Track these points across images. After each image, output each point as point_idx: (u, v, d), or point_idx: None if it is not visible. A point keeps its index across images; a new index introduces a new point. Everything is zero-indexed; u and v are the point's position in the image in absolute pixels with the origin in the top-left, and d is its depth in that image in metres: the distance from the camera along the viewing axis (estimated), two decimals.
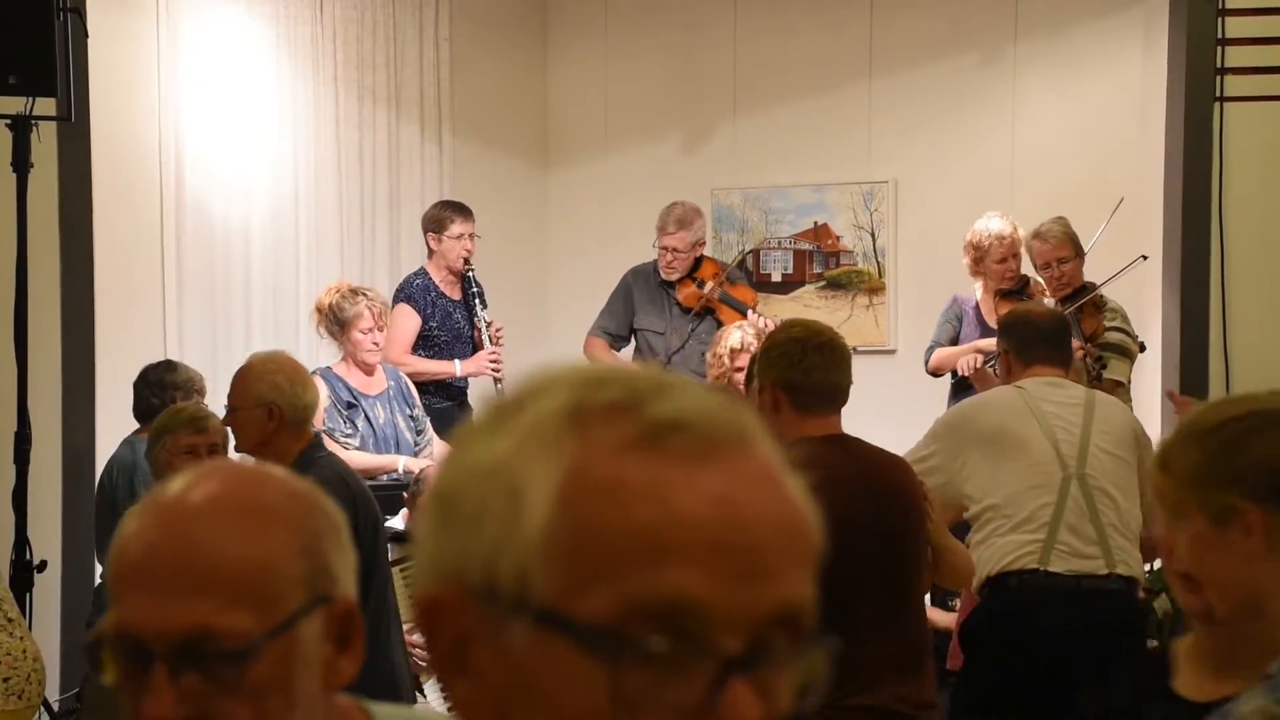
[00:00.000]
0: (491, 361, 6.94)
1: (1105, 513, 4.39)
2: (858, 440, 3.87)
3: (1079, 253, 6.34)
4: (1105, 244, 6.70)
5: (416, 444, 6.57)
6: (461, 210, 7.09)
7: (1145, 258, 6.57)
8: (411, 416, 6.64)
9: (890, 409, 7.62)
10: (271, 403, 4.33)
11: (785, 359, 3.78)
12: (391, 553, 5.39)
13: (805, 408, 3.77)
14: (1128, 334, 6.32)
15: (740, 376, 6.58)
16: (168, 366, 5.90)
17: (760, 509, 0.97)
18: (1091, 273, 6.50)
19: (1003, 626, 4.40)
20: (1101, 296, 6.36)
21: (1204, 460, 2.02)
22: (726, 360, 6.48)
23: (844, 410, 6.58)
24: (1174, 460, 2.05)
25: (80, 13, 5.50)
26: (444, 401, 6.95)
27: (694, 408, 0.98)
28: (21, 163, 5.30)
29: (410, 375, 6.76)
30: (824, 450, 3.66)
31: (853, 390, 6.50)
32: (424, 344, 6.96)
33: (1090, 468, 4.43)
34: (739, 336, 6.41)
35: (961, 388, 6.75)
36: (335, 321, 6.53)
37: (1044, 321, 4.80)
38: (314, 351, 7.00)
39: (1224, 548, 1.99)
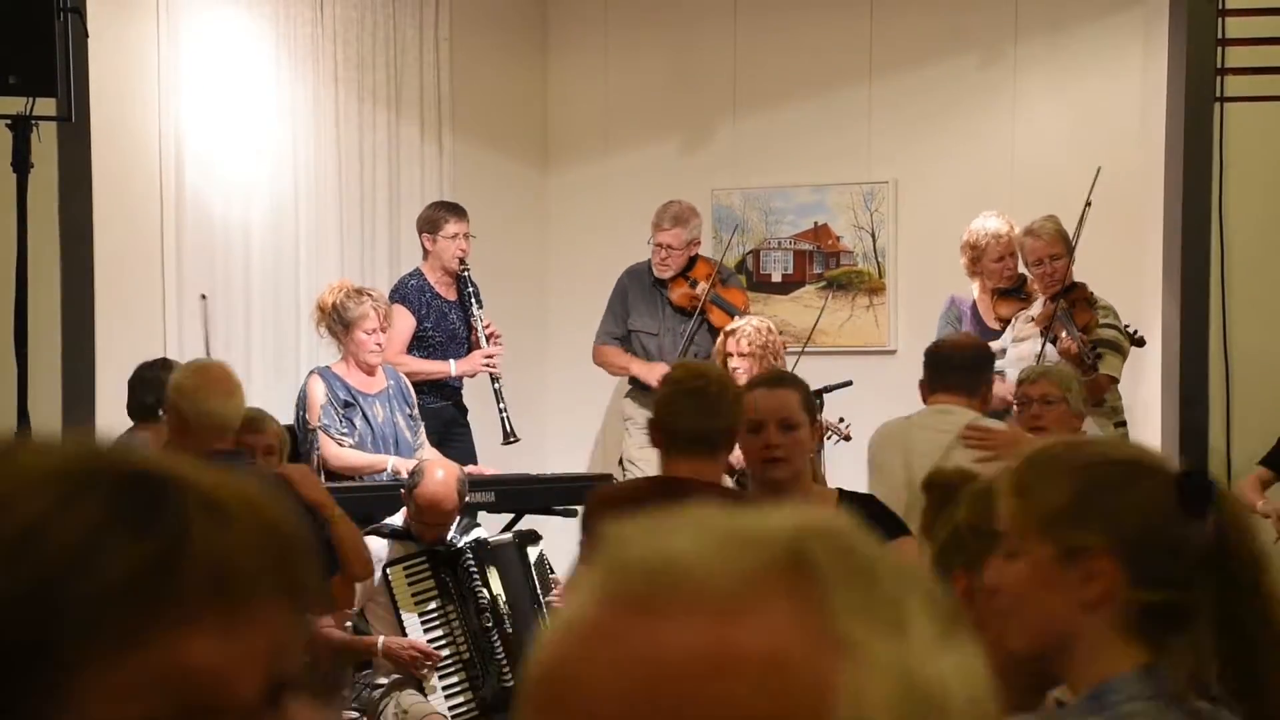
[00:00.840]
0: (486, 361, 6.94)
1: None
2: (704, 486, 3.74)
3: (1069, 250, 6.35)
4: (1101, 238, 6.70)
5: (414, 444, 6.57)
6: (455, 210, 7.09)
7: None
8: (410, 416, 6.65)
9: (890, 410, 7.60)
10: (174, 406, 4.62)
11: (661, 402, 3.87)
12: (391, 550, 5.39)
13: (672, 450, 3.81)
14: (1119, 330, 6.33)
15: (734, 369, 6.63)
16: (163, 365, 5.89)
17: None
18: (1085, 259, 6.50)
19: None
20: (1091, 292, 6.36)
21: (1072, 494, 1.92)
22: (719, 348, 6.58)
23: (844, 410, 6.64)
24: (1036, 487, 1.94)
25: (80, 13, 5.49)
26: (439, 401, 6.95)
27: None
28: (21, 163, 5.29)
29: (406, 375, 6.77)
30: (647, 489, 3.79)
31: (853, 391, 6.57)
32: (419, 345, 6.96)
33: None
34: (740, 332, 6.46)
35: None
36: (339, 321, 6.52)
37: (957, 353, 4.93)
38: (314, 351, 7.00)
39: (1057, 587, 1.89)
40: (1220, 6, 6.64)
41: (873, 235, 8.07)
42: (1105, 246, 6.94)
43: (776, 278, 8.23)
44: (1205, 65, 6.68)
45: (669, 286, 7.32)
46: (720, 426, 3.82)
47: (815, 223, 8.17)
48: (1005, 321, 6.66)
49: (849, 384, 6.52)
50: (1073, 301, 6.28)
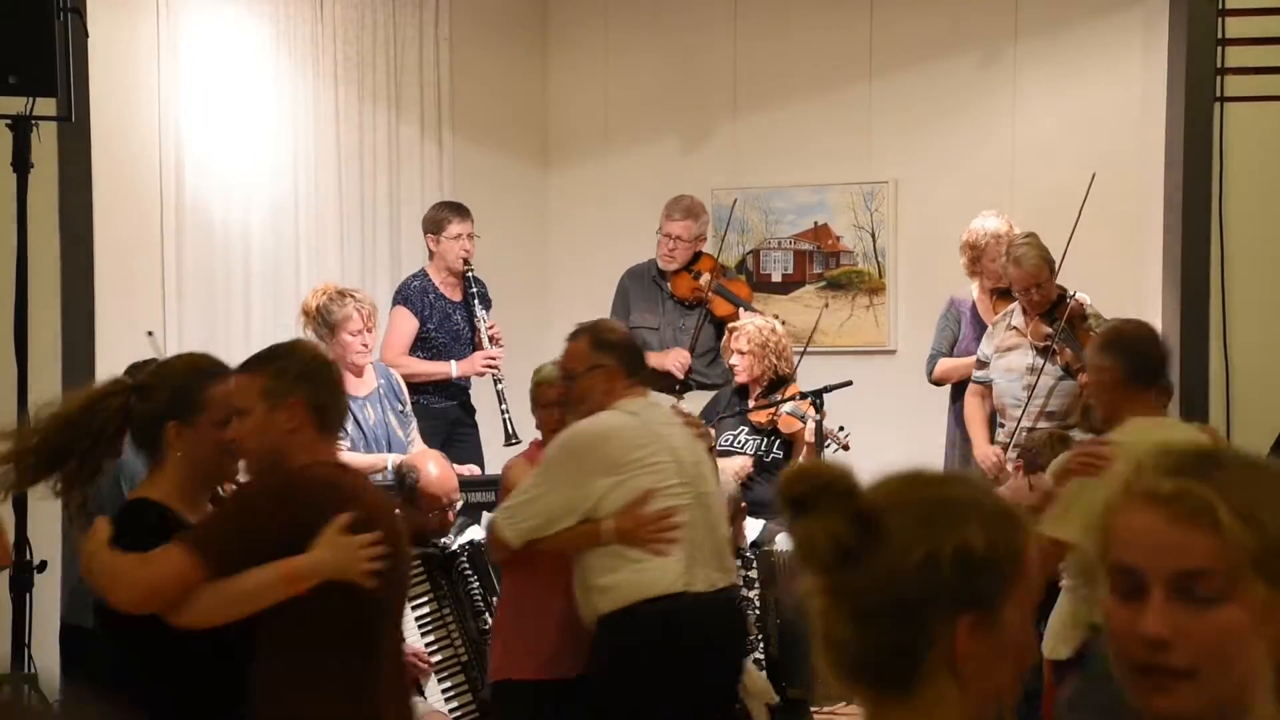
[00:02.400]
0: (487, 362, 6.94)
1: (720, 526, 4.56)
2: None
3: (1053, 271, 6.32)
4: (1101, 238, 6.70)
5: (405, 440, 6.57)
6: (459, 210, 7.09)
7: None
8: (401, 413, 6.64)
9: (890, 410, 7.64)
10: None
11: (318, 378, 3.50)
12: None
13: (330, 430, 3.51)
14: None
15: (733, 365, 6.65)
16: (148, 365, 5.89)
17: None
18: (1086, 259, 6.50)
19: (652, 649, 4.41)
20: (1081, 306, 6.35)
21: None
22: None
23: (844, 409, 6.63)
24: (1264, 512, 1.57)
25: (80, 13, 5.49)
26: (444, 401, 6.95)
27: None
28: (21, 163, 5.29)
29: (406, 377, 6.76)
30: (342, 476, 3.54)
31: (853, 391, 6.57)
32: (421, 346, 6.96)
33: (708, 485, 4.57)
34: (741, 330, 6.48)
35: (960, 393, 6.75)
36: (324, 324, 6.51)
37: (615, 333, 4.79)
38: None
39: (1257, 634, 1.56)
40: (1220, 6, 6.64)
41: (873, 235, 8.07)
42: (1105, 247, 6.94)
43: (776, 278, 8.23)
44: (1205, 65, 6.68)
45: (671, 280, 7.33)
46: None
47: (815, 223, 8.17)
48: None
49: (849, 384, 6.50)
50: (1069, 320, 6.28)
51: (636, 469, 4.41)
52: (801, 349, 6.86)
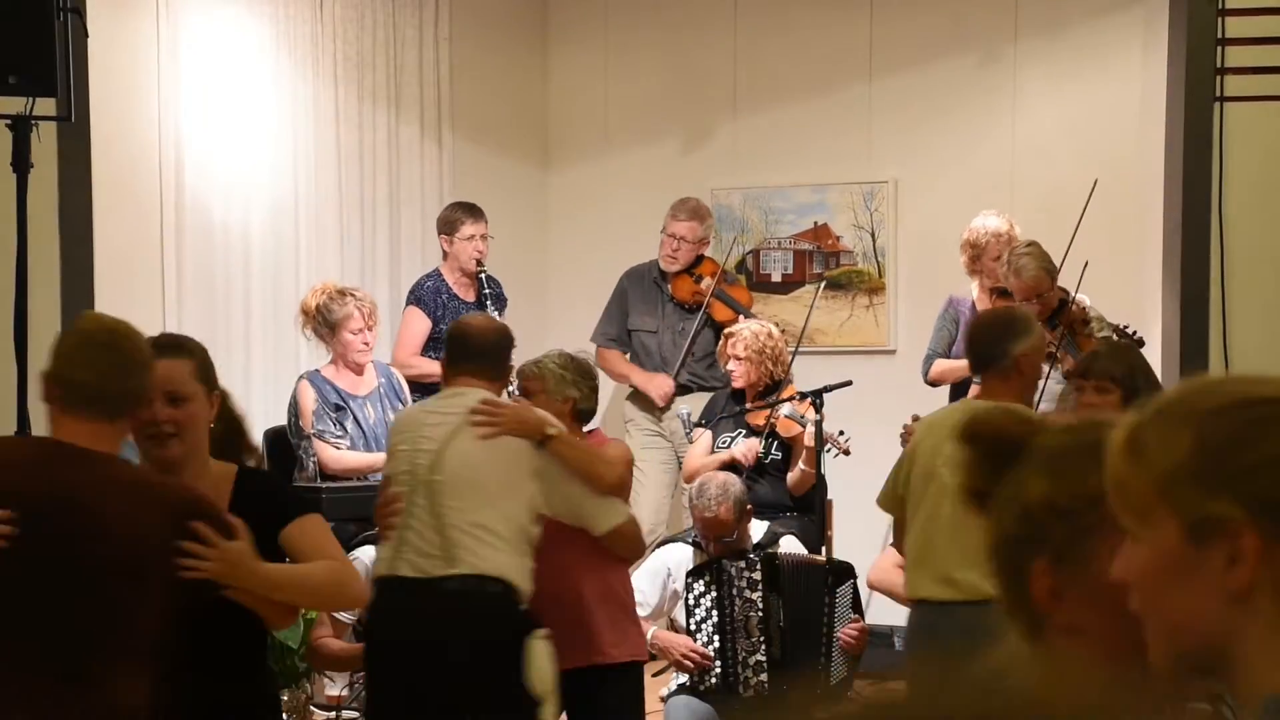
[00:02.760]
0: None
1: (451, 514, 4.38)
2: (84, 454, 3.12)
3: (1054, 279, 6.34)
4: (1101, 238, 6.70)
5: None
6: (472, 211, 7.10)
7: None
8: None
9: (890, 409, 7.62)
10: None
11: (56, 349, 3.24)
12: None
13: (64, 405, 3.18)
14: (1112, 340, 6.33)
15: (730, 371, 6.65)
16: None
17: None
18: (1085, 260, 6.50)
19: (373, 630, 4.48)
20: (1083, 311, 6.36)
21: (1196, 448, 1.44)
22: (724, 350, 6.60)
23: (845, 409, 6.64)
24: (1152, 444, 1.46)
25: (80, 13, 5.49)
26: None
27: None
28: (21, 163, 5.29)
29: (418, 377, 6.77)
30: (23, 448, 3.42)
31: (853, 390, 6.57)
32: (434, 346, 6.96)
33: (444, 473, 4.42)
34: (737, 335, 6.49)
35: (959, 394, 6.75)
36: (324, 323, 6.52)
37: (476, 338, 4.75)
38: (314, 351, 7.00)
39: (1191, 574, 1.44)
40: (1220, 6, 6.64)
41: (873, 235, 8.07)
42: (1105, 247, 6.93)
43: (776, 278, 8.23)
44: (1205, 65, 6.68)
45: (672, 283, 7.34)
46: (112, 390, 3.16)
47: (815, 223, 8.17)
48: None
49: (849, 384, 6.51)
50: (1070, 325, 6.29)
51: (391, 456, 4.60)
52: (794, 348, 6.86)
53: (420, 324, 6.93)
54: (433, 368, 6.88)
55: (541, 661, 4.33)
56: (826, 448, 6.40)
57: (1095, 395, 4.40)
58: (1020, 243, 6.52)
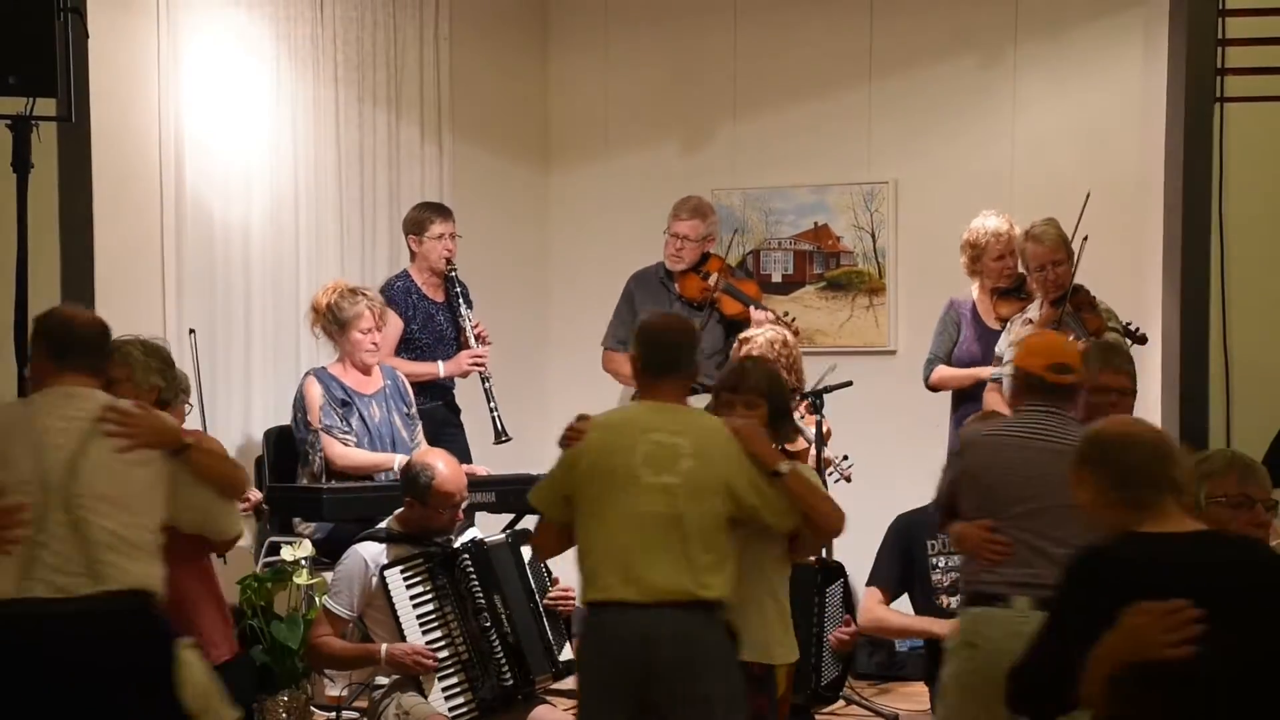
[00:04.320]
0: (474, 361, 6.94)
1: (94, 529, 3.98)
2: None
3: (1071, 255, 6.36)
4: (1102, 238, 6.69)
5: (411, 443, 6.57)
6: (440, 210, 7.09)
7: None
8: (407, 415, 6.65)
9: (890, 409, 7.64)
10: None
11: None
12: (388, 553, 5.40)
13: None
14: (1120, 333, 6.34)
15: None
16: None
17: None
18: (1086, 260, 6.51)
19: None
20: (1093, 296, 6.37)
21: None
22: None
23: (843, 409, 6.63)
24: None
25: (80, 13, 5.49)
26: (430, 402, 6.95)
27: None
28: (21, 163, 5.29)
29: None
30: None
31: (853, 391, 6.57)
32: (405, 347, 6.95)
33: (82, 484, 4.00)
34: (752, 341, 6.42)
35: (962, 399, 6.75)
36: (334, 321, 6.53)
37: (84, 330, 4.25)
38: (314, 351, 7.00)
39: None
40: (1220, 6, 6.64)
41: (873, 235, 8.07)
42: (1105, 247, 6.93)
43: (777, 278, 8.23)
44: (1205, 65, 6.68)
45: (680, 282, 7.33)
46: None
47: (815, 223, 8.17)
48: (1005, 321, 6.65)
49: (849, 384, 6.50)
50: (1078, 305, 6.29)
51: (3, 463, 4.03)
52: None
53: (394, 324, 6.91)
54: (409, 368, 6.89)
55: (195, 674, 4.07)
56: (828, 471, 6.36)
57: (744, 410, 4.52)
58: (1037, 219, 6.53)
